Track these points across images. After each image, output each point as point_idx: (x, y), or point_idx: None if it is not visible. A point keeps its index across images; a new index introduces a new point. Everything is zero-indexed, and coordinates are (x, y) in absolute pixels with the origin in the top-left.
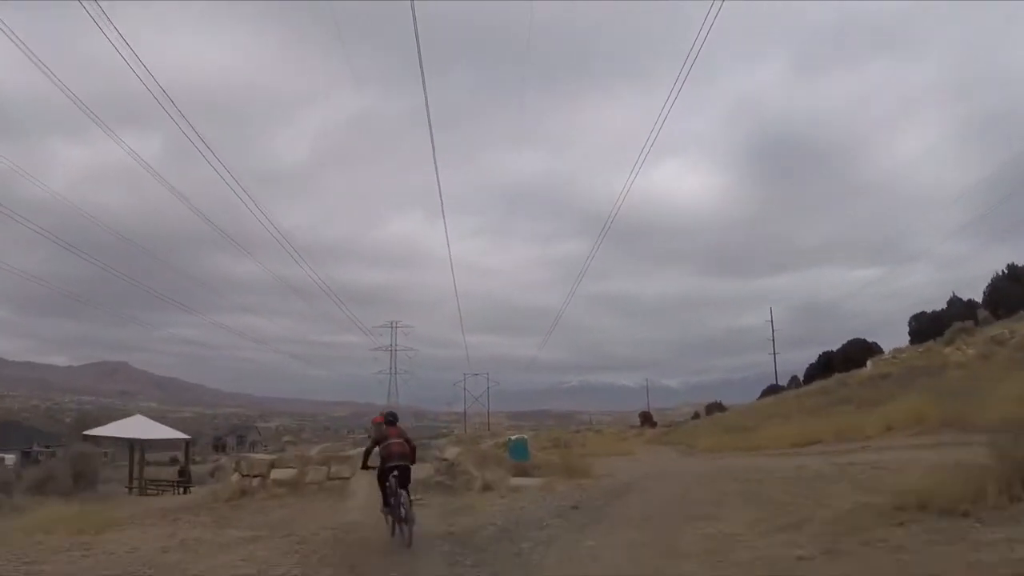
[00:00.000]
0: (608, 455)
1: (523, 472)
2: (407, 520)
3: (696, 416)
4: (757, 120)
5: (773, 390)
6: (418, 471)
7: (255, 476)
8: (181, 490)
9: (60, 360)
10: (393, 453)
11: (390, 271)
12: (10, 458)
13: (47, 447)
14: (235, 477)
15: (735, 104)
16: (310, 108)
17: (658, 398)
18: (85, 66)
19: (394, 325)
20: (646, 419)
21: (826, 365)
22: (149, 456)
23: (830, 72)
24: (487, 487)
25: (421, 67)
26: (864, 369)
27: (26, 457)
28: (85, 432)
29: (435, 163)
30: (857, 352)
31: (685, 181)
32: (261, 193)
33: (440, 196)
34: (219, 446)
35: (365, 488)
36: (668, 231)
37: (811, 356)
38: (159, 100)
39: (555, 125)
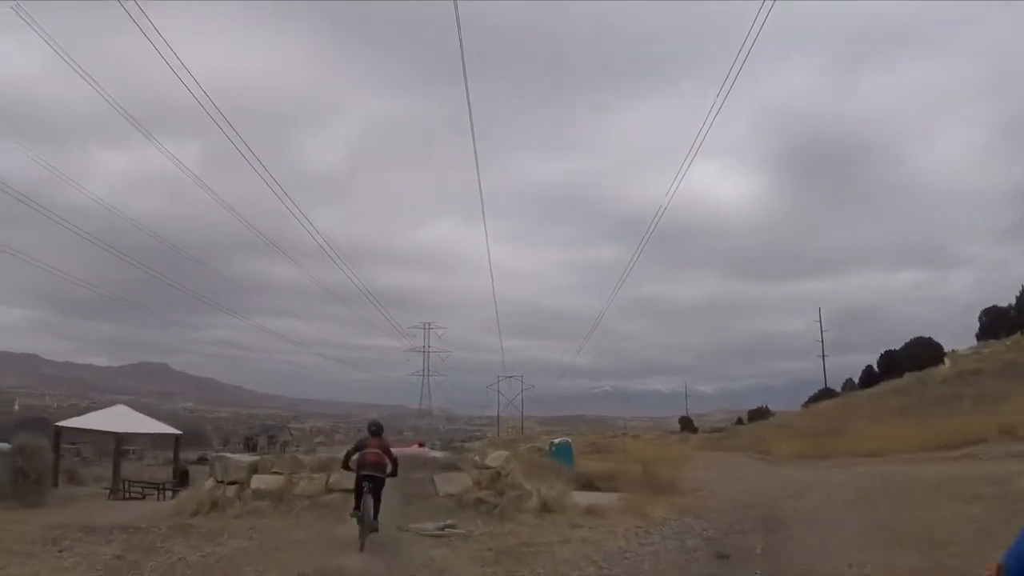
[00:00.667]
0: (673, 462)
1: (587, 484)
2: (369, 527)
3: (740, 422)
4: (793, 123)
5: (826, 394)
6: (453, 483)
7: (231, 483)
8: (169, 494)
9: (100, 361)
10: (367, 462)
11: (422, 274)
12: None
13: (72, 444)
14: (208, 483)
15: (771, 107)
16: (344, 112)
17: (692, 404)
18: (122, 72)
19: (427, 327)
20: (686, 425)
21: (889, 365)
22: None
23: (868, 73)
24: (545, 507)
25: (464, 74)
26: (942, 367)
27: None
28: (58, 423)
29: (477, 168)
30: (921, 351)
31: (721, 185)
32: (295, 197)
33: (481, 200)
34: (250, 446)
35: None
36: (703, 235)
37: (852, 361)
38: (205, 108)
39: (586, 130)
